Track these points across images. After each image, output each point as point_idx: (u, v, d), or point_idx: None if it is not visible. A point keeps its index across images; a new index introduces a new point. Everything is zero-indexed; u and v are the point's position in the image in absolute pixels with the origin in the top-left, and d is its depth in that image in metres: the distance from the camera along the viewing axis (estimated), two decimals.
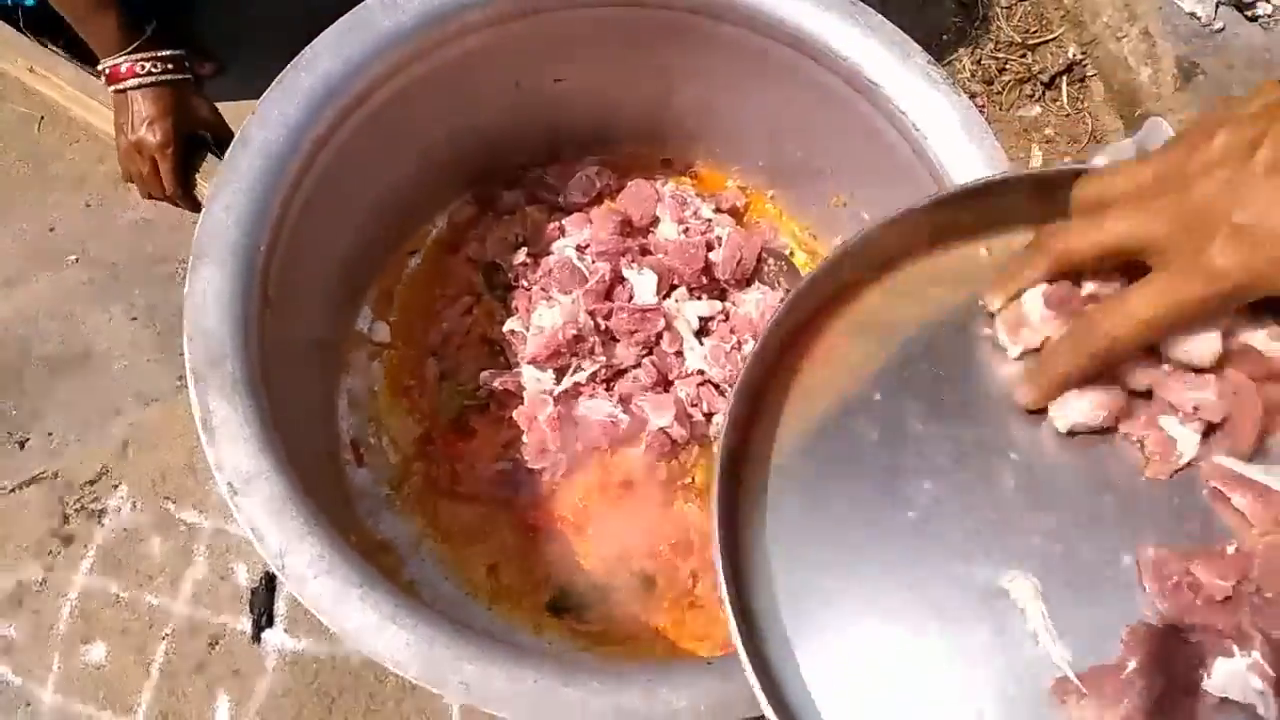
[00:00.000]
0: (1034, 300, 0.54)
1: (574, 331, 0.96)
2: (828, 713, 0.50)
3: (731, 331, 1.02)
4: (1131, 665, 0.48)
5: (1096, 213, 0.52)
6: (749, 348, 1.00)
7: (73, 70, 1.33)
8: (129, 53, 1.07)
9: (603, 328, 1.00)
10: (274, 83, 0.84)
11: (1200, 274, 0.47)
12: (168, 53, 1.09)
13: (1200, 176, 0.48)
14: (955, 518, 0.53)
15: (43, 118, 1.55)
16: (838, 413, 0.57)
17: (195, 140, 1.20)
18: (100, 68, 1.11)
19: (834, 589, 0.53)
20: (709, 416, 1.02)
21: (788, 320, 0.58)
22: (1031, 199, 0.59)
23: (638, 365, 1.02)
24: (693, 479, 1.01)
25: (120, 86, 1.09)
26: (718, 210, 1.07)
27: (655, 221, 1.04)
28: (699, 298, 1.04)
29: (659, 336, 1.01)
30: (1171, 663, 0.48)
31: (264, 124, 0.83)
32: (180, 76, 1.11)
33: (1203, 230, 0.47)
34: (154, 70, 1.08)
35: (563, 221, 1.06)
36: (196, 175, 1.23)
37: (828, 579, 0.53)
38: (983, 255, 0.61)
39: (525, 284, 1.04)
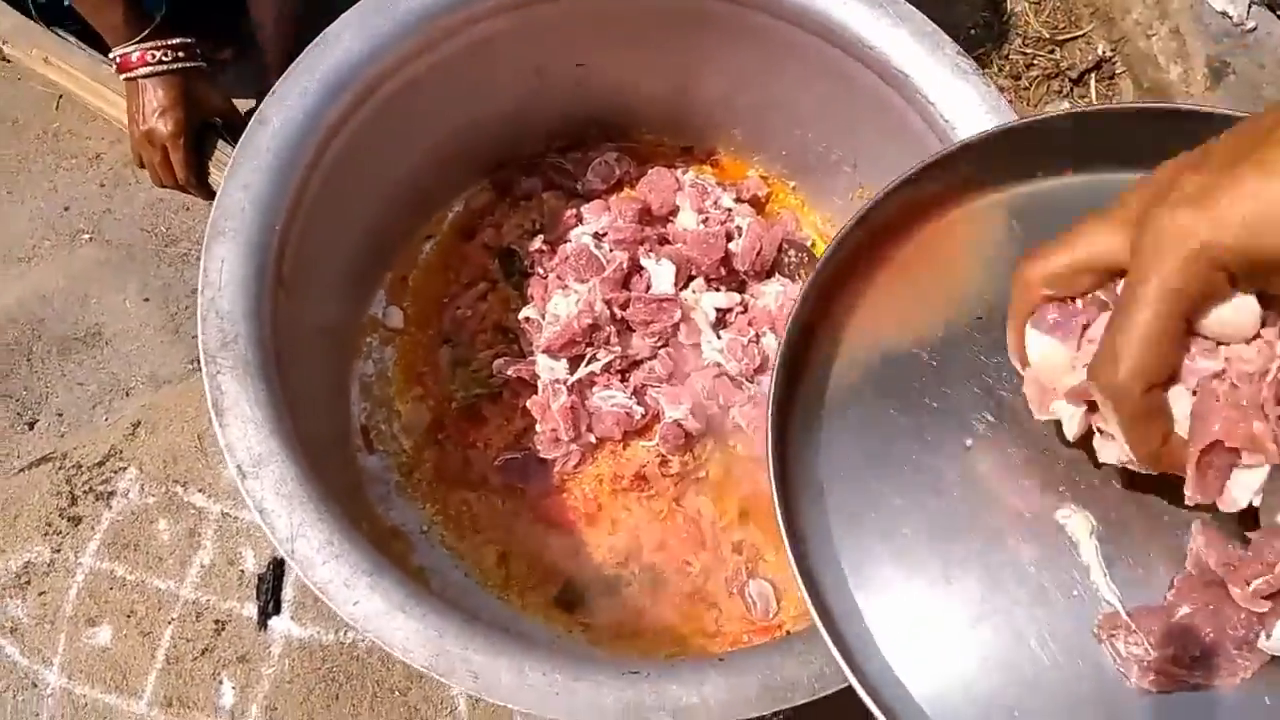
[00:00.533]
0: (1035, 339, 0.50)
1: (589, 320, 0.95)
2: (879, 634, 0.50)
3: (750, 324, 1.01)
4: (1183, 610, 0.47)
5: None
6: (768, 340, 0.99)
7: (85, 58, 1.32)
8: (139, 41, 1.07)
9: (618, 317, 0.98)
10: (294, 62, 0.83)
11: (1167, 242, 0.42)
12: (178, 41, 1.08)
13: (1156, 202, 0.44)
14: (1014, 451, 0.52)
15: (61, 96, 1.54)
16: (900, 340, 0.57)
17: (207, 127, 1.19)
18: (111, 56, 1.10)
19: (886, 513, 0.53)
20: (725, 409, 1.00)
21: (853, 237, 0.58)
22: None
23: (653, 357, 1.00)
24: (706, 473, 1.00)
25: (131, 75, 1.08)
26: (738, 200, 1.05)
27: (675, 210, 1.03)
28: (717, 289, 1.03)
29: (675, 328, 1.00)
30: (1223, 614, 0.47)
31: (283, 103, 0.82)
32: (191, 64, 1.10)
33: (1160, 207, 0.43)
34: (164, 59, 1.07)
35: (581, 209, 1.05)
36: (209, 163, 1.22)
37: (880, 503, 0.53)
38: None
39: (541, 271, 1.03)
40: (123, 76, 1.10)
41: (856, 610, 0.51)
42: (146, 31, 1.06)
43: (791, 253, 1.03)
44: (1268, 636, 0.46)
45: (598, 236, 1.01)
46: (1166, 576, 0.49)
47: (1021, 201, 0.60)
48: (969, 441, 0.53)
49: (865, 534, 0.53)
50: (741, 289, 1.03)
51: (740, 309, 1.02)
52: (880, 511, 0.53)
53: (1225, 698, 0.47)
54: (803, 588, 0.50)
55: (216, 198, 0.78)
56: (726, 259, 1.01)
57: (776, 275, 1.04)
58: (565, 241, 1.03)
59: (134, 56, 1.07)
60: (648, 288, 1.00)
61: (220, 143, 1.21)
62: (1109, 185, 0.57)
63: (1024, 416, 0.52)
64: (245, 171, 0.80)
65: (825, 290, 0.58)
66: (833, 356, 0.57)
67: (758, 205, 1.08)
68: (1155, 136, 0.53)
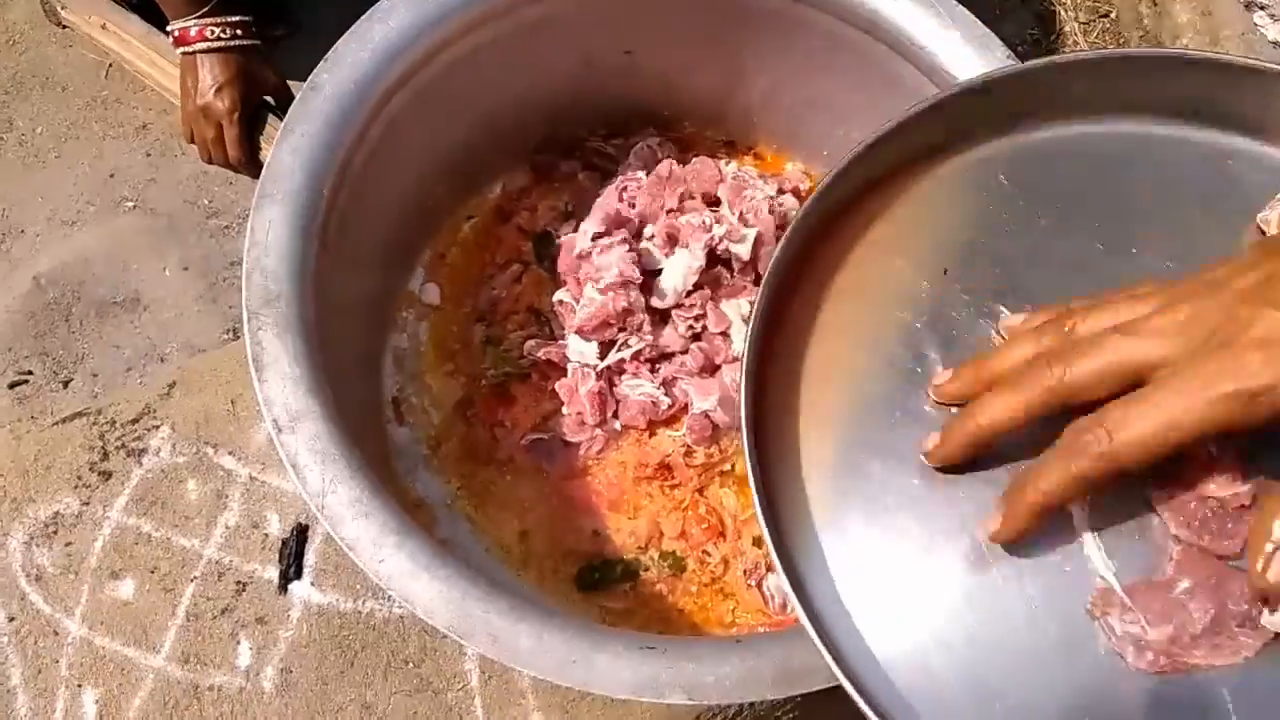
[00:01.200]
0: None
1: (624, 304, 0.96)
2: (856, 611, 0.50)
3: None
4: (1183, 585, 0.46)
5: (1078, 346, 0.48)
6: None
7: (143, 28, 1.34)
8: (198, 16, 1.08)
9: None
10: (348, 31, 0.84)
11: (1224, 372, 0.42)
12: (237, 18, 1.09)
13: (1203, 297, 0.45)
14: None
15: (110, 65, 1.57)
16: (884, 298, 0.57)
17: (260, 105, 1.20)
18: (169, 30, 1.11)
19: (869, 482, 0.53)
20: None
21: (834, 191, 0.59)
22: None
23: (685, 351, 1.01)
24: (732, 466, 1.00)
25: (188, 50, 1.09)
26: (780, 191, 1.05)
27: (716, 201, 1.03)
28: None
29: (703, 315, 1.00)
30: (1225, 589, 0.46)
31: (335, 71, 0.83)
32: (249, 42, 1.11)
33: (1218, 339, 0.43)
34: (223, 35, 1.08)
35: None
36: (261, 139, 1.24)
37: (864, 470, 0.53)
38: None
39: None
40: (180, 51, 1.11)
41: (835, 592, 0.51)
42: (206, 8, 1.08)
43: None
44: (1271, 612, 0.45)
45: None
46: (1166, 550, 0.48)
47: (1007, 155, 0.61)
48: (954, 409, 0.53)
49: (848, 507, 0.52)
50: None
51: None
52: (861, 481, 0.53)
53: (1227, 678, 0.45)
54: (780, 566, 0.51)
55: (267, 161, 0.80)
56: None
57: None
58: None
59: (192, 31, 1.08)
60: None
61: (272, 120, 1.22)
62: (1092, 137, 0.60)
63: None
64: (296, 136, 0.81)
65: (803, 250, 0.58)
66: (808, 330, 0.57)
67: (799, 197, 1.08)
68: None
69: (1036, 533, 0.48)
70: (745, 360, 0.54)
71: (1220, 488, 0.46)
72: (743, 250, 0.98)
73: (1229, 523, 0.46)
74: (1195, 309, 0.44)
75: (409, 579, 0.67)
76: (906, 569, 0.50)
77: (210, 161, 1.21)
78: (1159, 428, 0.43)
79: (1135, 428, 0.43)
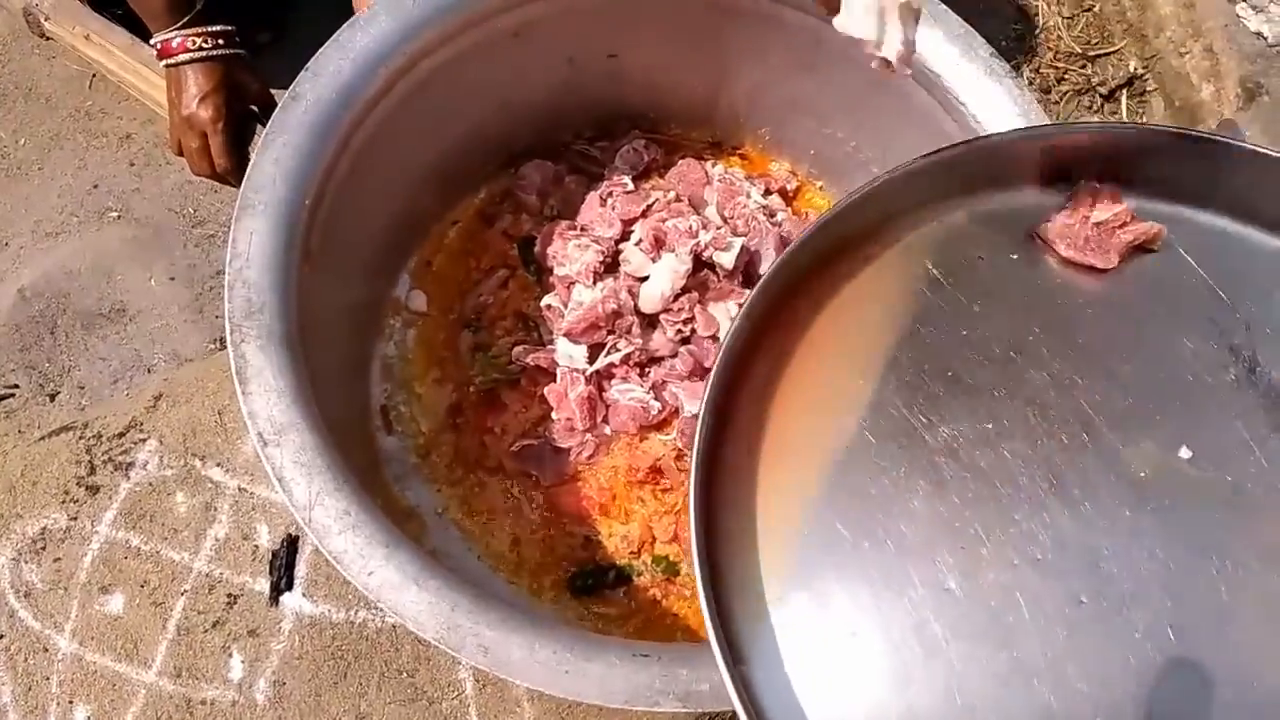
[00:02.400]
0: None
1: (613, 306, 0.95)
2: (799, 687, 0.50)
3: None
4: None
5: None
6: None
7: (127, 38, 1.33)
8: (180, 28, 1.07)
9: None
10: (330, 40, 0.84)
11: None
12: (219, 27, 1.08)
13: None
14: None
15: (95, 75, 1.56)
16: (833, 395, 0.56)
17: (247, 115, 1.19)
18: (152, 43, 1.10)
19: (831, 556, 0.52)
20: None
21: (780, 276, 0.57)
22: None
23: (674, 355, 1.00)
24: None
25: (172, 61, 1.08)
26: (767, 192, 1.05)
27: (703, 203, 1.03)
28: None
29: (691, 319, 0.99)
30: None
31: (317, 81, 0.83)
32: (231, 51, 1.10)
33: None
34: (205, 45, 1.07)
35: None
36: (249, 150, 1.22)
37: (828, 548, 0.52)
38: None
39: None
40: (164, 63, 1.10)
41: (780, 666, 0.50)
42: (188, 18, 1.07)
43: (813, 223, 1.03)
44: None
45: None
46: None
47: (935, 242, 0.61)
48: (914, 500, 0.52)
49: (805, 580, 0.52)
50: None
51: None
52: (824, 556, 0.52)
53: None
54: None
55: (248, 171, 0.79)
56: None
57: None
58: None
59: (175, 43, 1.07)
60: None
61: (259, 129, 1.21)
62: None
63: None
64: (277, 146, 0.80)
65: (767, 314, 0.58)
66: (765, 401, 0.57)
67: (786, 197, 1.08)
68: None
69: None
70: (698, 441, 0.54)
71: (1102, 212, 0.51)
72: (727, 260, 0.98)
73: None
74: None
75: (398, 591, 0.67)
76: (857, 644, 0.50)
77: (198, 173, 1.20)
78: None
79: None
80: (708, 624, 0.49)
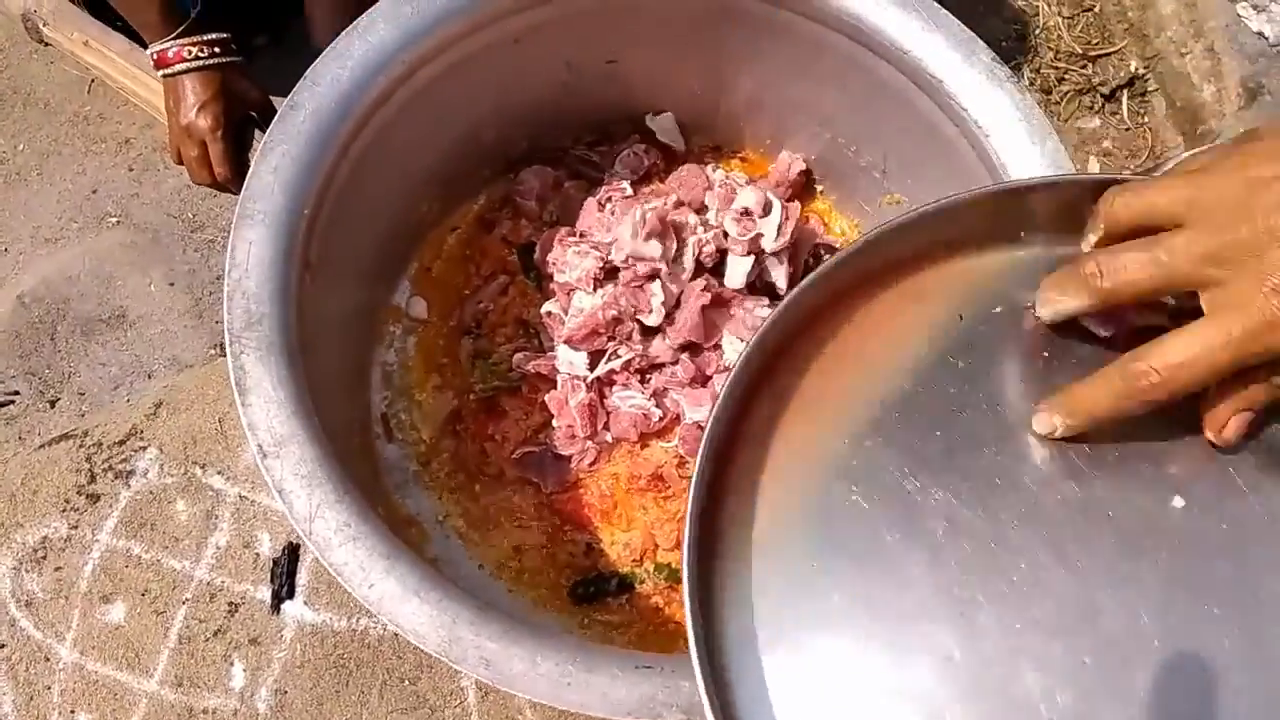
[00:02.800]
0: None
1: (614, 313, 0.95)
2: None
3: None
4: None
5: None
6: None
7: (125, 44, 1.33)
8: (175, 37, 1.07)
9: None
10: (328, 48, 0.83)
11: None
12: (214, 36, 1.08)
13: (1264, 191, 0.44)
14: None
15: (93, 80, 1.56)
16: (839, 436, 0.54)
17: (245, 121, 1.19)
18: (149, 53, 1.10)
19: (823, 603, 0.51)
20: None
21: (786, 317, 0.55)
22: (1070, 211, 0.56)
23: (675, 362, 1.00)
24: None
25: (169, 71, 1.08)
26: (777, 185, 1.04)
27: (703, 208, 1.02)
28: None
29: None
30: None
31: (315, 89, 0.82)
32: (228, 59, 1.10)
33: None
34: (201, 55, 1.07)
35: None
36: (249, 157, 1.22)
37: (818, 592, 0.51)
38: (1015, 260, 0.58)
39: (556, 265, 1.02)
40: (160, 73, 1.10)
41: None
42: (182, 27, 1.06)
43: (826, 258, 1.02)
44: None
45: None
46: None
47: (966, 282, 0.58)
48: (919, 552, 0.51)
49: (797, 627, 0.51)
50: (773, 297, 1.03)
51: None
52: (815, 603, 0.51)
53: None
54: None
55: (246, 180, 0.79)
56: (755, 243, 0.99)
57: None
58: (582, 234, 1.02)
59: (170, 53, 1.07)
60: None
61: (259, 135, 1.21)
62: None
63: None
64: (275, 156, 0.80)
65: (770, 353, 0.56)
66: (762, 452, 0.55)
67: (790, 187, 1.07)
68: None
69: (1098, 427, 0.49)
70: (693, 496, 0.52)
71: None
72: (737, 279, 0.98)
73: None
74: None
75: (399, 603, 0.66)
76: (855, 714, 0.49)
77: (198, 182, 1.20)
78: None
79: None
80: (701, 691, 0.48)
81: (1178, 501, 0.51)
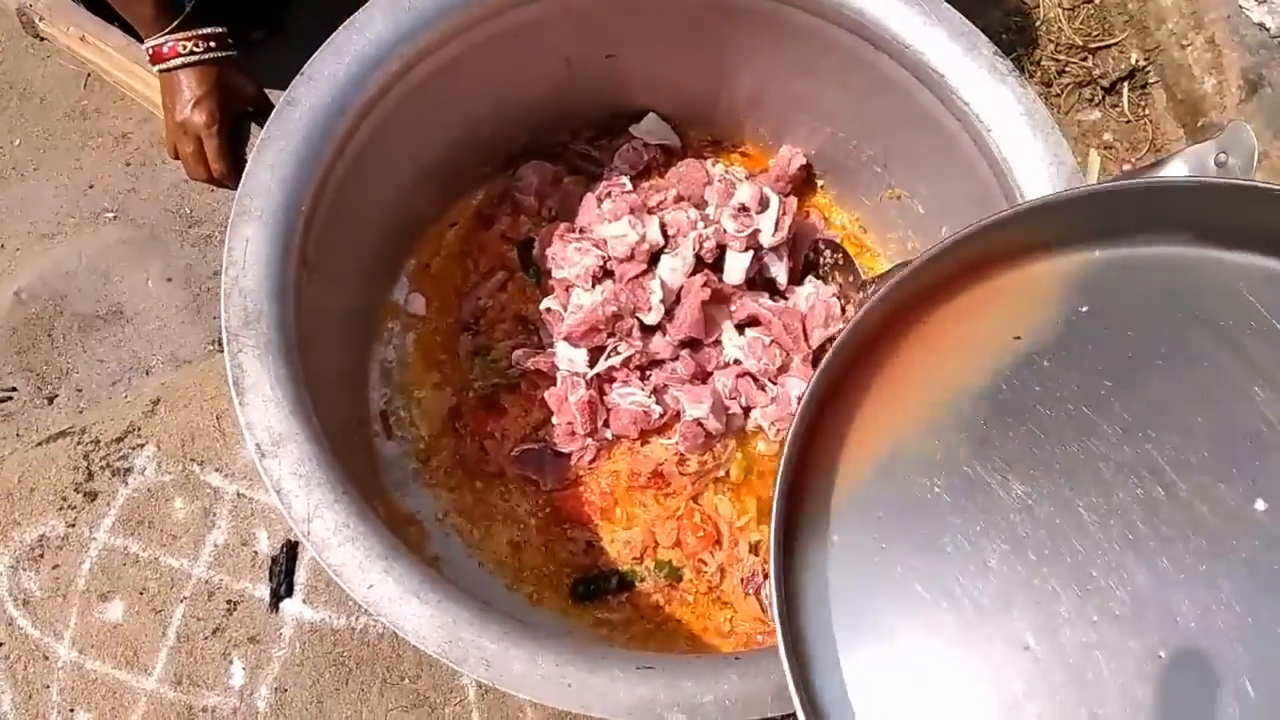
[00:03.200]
0: None
1: (613, 309, 0.94)
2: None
3: (785, 328, 0.99)
4: None
5: None
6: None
7: (122, 39, 1.32)
8: (170, 32, 1.05)
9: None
10: (325, 43, 0.83)
11: None
12: (209, 30, 1.07)
13: None
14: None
15: (90, 75, 1.55)
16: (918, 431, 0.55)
17: (242, 117, 1.18)
18: (144, 48, 1.09)
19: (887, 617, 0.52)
20: (747, 411, 0.99)
21: (870, 317, 0.56)
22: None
23: (675, 358, 0.99)
24: (726, 472, 0.99)
25: (164, 67, 1.07)
26: (778, 179, 1.04)
27: (703, 203, 1.02)
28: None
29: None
30: None
31: (312, 85, 0.82)
32: (224, 54, 1.09)
33: None
34: (196, 50, 1.06)
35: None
36: (245, 152, 1.21)
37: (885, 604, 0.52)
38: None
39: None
40: (156, 68, 1.09)
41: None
42: (177, 22, 1.05)
43: (827, 253, 1.02)
44: None
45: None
46: None
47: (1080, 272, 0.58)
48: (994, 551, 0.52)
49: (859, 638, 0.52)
50: (772, 291, 1.02)
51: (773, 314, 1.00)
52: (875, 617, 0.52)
53: None
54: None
55: (243, 177, 0.78)
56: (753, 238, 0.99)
57: (810, 277, 1.03)
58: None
59: (165, 48, 1.06)
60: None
61: (255, 130, 1.20)
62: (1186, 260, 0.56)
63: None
64: (272, 152, 0.79)
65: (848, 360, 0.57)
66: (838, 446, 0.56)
67: (790, 181, 1.07)
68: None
69: None
70: (777, 496, 0.53)
71: None
72: (737, 274, 0.98)
73: None
74: None
75: (398, 604, 0.66)
76: (933, 703, 0.50)
77: (194, 178, 1.19)
78: None
79: None
80: (789, 680, 0.49)
81: (1260, 504, 0.50)
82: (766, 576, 0.53)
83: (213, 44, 1.05)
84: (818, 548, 0.53)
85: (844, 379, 0.57)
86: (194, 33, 1.05)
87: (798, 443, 0.54)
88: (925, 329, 0.58)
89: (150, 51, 1.06)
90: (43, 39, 1.45)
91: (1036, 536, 0.51)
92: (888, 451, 0.55)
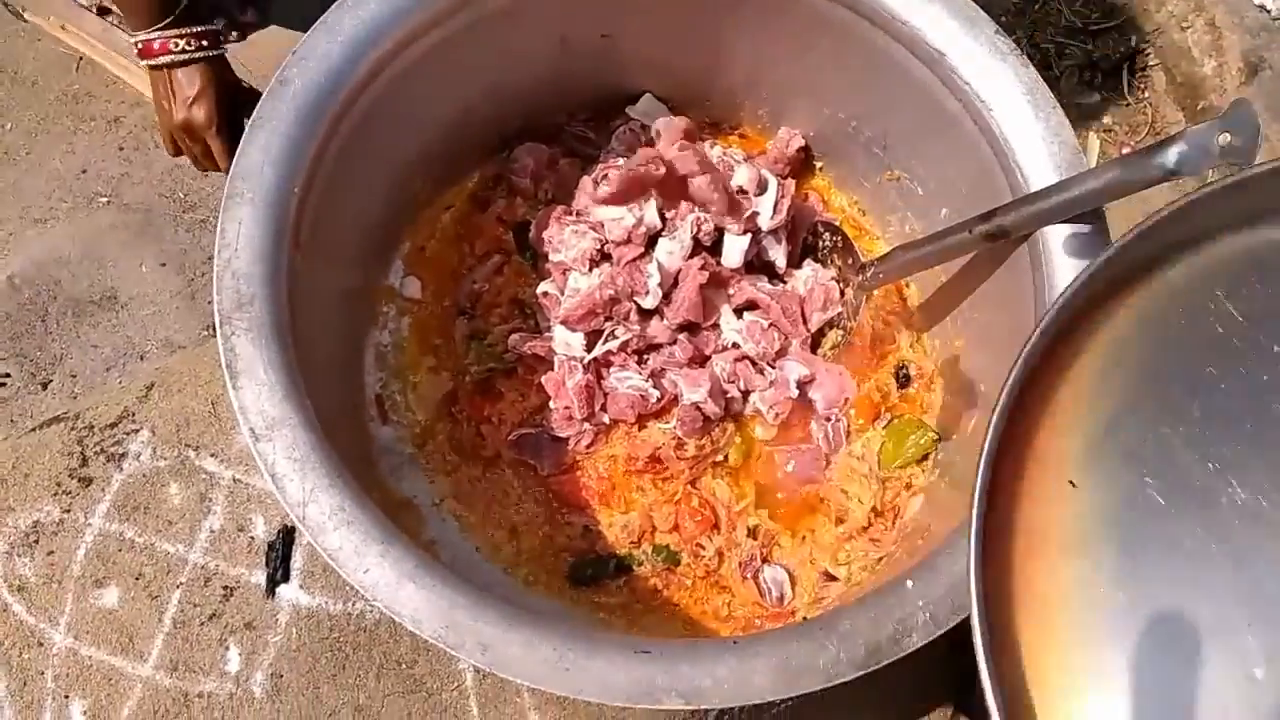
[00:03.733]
0: None
1: (610, 292, 0.94)
2: None
3: (783, 312, 0.99)
4: None
5: None
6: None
7: (99, 25, 1.30)
8: (161, 28, 1.03)
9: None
10: (317, 23, 0.82)
11: None
12: (201, 29, 1.05)
13: None
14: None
15: (81, 58, 1.53)
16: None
17: (238, 111, 1.16)
18: (133, 42, 1.07)
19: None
20: (745, 395, 0.99)
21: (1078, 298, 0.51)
22: None
23: (673, 342, 0.99)
24: (724, 457, 0.98)
25: (155, 63, 1.04)
26: (776, 161, 1.03)
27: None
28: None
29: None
30: None
31: (304, 65, 0.81)
32: (215, 52, 1.07)
33: None
34: (188, 48, 1.03)
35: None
36: None
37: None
38: None
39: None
40: (145, 64, 1.07)
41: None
42: (170, 18, 1.03)
43: (826, 236, 1.01)
44: None
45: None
46: None
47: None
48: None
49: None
50: (770, 274, 1.02)
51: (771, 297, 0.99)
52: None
53: None
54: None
55: (234, 158, 0.77)
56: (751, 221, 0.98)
57: (808, 260, 1.02)
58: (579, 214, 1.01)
59: (156, 44, 1.03)
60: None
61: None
62: None
63: None
64: (264, 133, 0.78)
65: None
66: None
67: (789, 163, 1.06)
68: None
69: None
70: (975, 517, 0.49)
71: None
72: (734, 258, 0.97)
73: None
74: None
75: (394, 588, 0.66)
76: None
77: (206, 172, 1.17)
78: None
79: None
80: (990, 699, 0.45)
81: None
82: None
83: (204, 42, 1.04)
84: (1018, 560, 0.49)
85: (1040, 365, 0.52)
86: (185, 30, 1.02)
87: (997, 438, 0.49)
88: (1125, 313, 0.53)
89: (139, 46, 1.03)
90: (28, 21, 1.44)
91: (1262, 548, 0.46)
92: (1089, 442, 0.50)
